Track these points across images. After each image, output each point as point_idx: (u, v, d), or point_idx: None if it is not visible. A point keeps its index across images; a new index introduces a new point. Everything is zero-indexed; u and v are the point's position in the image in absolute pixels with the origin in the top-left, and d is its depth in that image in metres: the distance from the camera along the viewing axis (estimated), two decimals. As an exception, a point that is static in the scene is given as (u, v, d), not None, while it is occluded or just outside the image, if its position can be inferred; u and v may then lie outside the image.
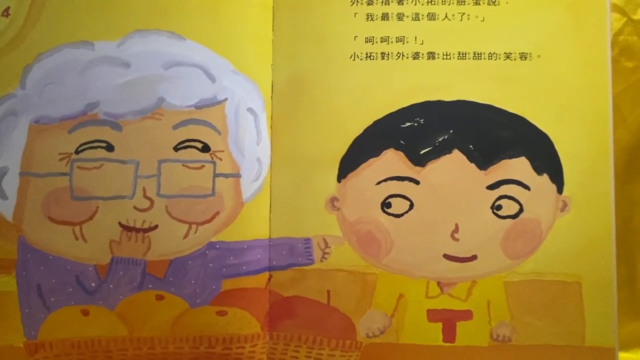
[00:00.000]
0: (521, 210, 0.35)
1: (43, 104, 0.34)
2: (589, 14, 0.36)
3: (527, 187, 0.35)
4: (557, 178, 0.36)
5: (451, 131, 0.35)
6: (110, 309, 0.35)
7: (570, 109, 0.36)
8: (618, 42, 0.39)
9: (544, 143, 0.35)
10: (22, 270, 0.34)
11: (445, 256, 0.35)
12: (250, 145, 0.36)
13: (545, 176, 0.35)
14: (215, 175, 0.35)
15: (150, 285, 0.35)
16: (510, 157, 0.35)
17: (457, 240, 0.35)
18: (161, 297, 0.35)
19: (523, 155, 0.35)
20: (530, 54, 0.36)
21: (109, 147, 0.34)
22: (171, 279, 0.35)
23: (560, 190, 0.36)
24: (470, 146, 0.35)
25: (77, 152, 0.34)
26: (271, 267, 0.36)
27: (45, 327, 0.35)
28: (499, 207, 0.35)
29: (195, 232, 0.35)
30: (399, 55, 0.36)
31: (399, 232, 0.35)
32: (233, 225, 0.36)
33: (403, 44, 0.36)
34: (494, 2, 0.36)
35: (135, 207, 0.35)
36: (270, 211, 0.36)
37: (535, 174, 0.35)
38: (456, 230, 0.35)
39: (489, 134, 0.35)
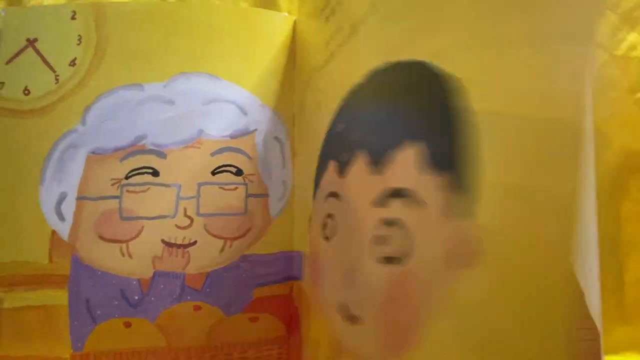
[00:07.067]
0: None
1: (99, 138, 0.36)
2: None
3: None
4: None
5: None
6: (151, 320, 0.36)
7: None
8: (602, 75, 0.42)
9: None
10: (74, 285, 0.35)
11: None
12: (277, 169, 0.38)
13: None
14: (247, 196, 0.38)
15: (189, 297, 0.36)
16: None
17: None
18: (198, 308, 0.36)
19: None
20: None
21: (155, 173, 0.37)
22: (208, 290, 0.37)
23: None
24: None
25: (126, 177, 0.36)
26: (294, 276, 0.38)
27: (92, 339, 0.35)
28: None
29: (230, 247, 0.37)
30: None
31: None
32: (262, 240, 0.38)
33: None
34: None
35: (176, 226, 0.36)
36: (293, 227, 0.38)
37: None
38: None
39: None
